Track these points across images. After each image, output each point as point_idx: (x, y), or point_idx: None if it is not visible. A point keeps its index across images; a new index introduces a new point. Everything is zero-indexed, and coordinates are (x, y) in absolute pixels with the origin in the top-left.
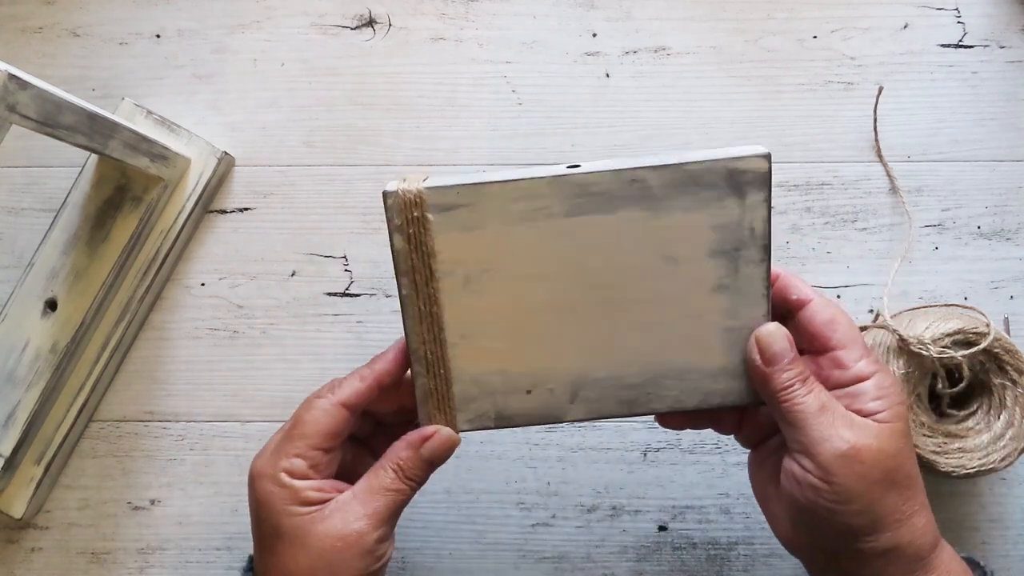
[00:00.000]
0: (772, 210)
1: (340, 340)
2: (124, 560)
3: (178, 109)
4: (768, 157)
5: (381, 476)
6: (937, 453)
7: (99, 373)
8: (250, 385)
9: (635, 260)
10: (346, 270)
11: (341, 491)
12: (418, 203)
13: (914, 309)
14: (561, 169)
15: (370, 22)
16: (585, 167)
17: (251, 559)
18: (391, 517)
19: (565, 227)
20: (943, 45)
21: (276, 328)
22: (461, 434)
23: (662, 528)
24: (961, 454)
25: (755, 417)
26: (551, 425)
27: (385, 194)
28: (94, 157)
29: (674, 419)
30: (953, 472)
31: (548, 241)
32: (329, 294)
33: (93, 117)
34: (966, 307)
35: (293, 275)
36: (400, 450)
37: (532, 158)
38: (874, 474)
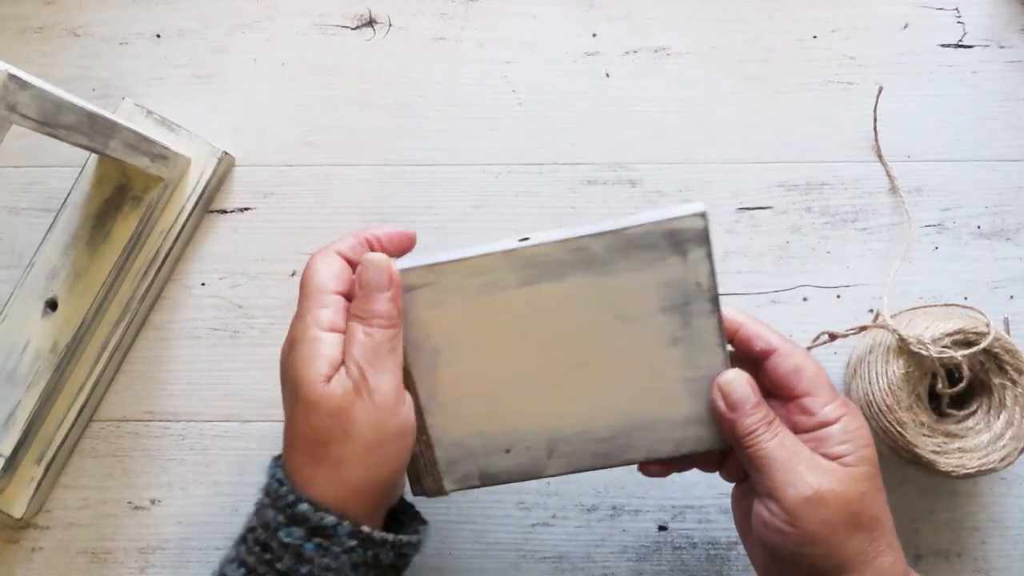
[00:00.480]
0: (714, 263)
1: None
2: (124, 560)
3: (178, 109)
4: (704, 215)
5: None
6: (937, 453)
7: (99, 373)
8: (250, 385)
9: (591, 321)
10: None
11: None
12: None
13: (914, 309)
14: (511, 243)
15: (370, 22)
16: (532, 239)
17: (276, 459)
18: (400, 364)
19: (521, 296)
20: (943, 45)
21: (276, 328)
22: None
23: (662, 528)
24: (961, 454)
25: (735, 454)
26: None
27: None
28: (94, 157)
29: (654, 467)
30: (953, 472)
31: (508, 310)
32: None
33: (93, 117)
34: (966, 307)
35: (293, 275)
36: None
37: (531, 158)
38: (838, 518)
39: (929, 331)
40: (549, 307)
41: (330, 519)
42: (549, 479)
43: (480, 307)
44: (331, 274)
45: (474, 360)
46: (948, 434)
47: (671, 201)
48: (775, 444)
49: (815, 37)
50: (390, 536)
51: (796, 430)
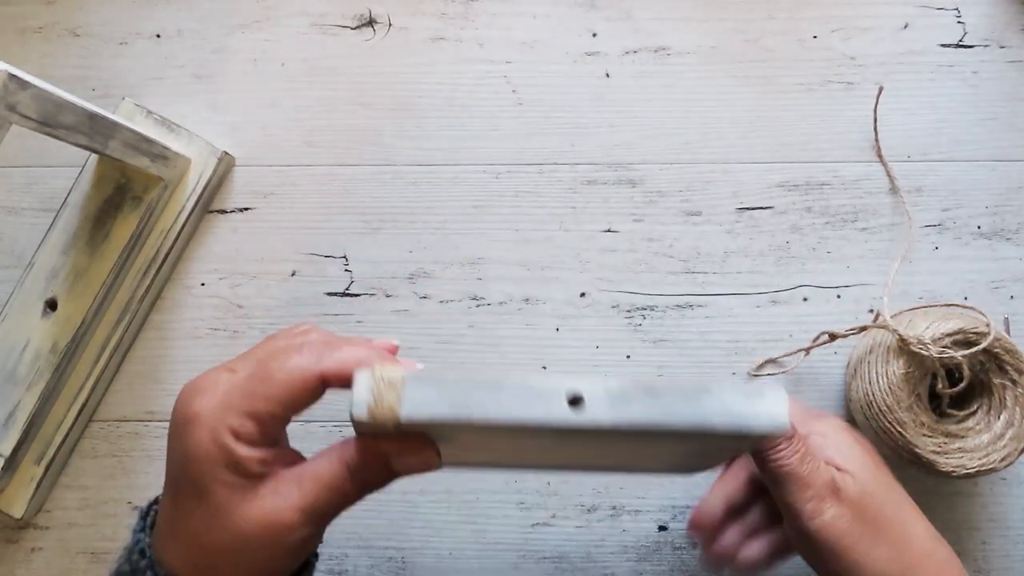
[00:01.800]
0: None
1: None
2: None
3: (178, 109)
4: (785, 425)
5: (330, 469)
6: (937, 453)
7: (99, 373)
8: None
9: (612, 453)
10: (346, 270)
11: (287, 465)
12: (390, 432)
13: (914, 309)
14: (560, 415)
15: (370, 22)
16: (588, 415)
17: (151, 505)
18: (327, 517)
19: (551, 446)
20: (943, 45)
21: (276, 328)
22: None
23: (662, 528)
24: (961, 454)
25: None
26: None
27: (354, 422)
28: (94, 157)
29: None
30: (953, 472)
31: (529, 452)
32: (329, 294)
33: (93, 117)
34: (966, 307)
35: (293, 275)
36: (352, 447)
37: (531, 158)
38: (855, 529)
39: (929, 331)
40: (577, 451)
41: None
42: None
43: (500, 447)
44: (297, 399)
45: (481, 456)
46: (948, 434)
47: (672, 201)
48: (795, 460)
49: (815, 37)
50: None
51: None
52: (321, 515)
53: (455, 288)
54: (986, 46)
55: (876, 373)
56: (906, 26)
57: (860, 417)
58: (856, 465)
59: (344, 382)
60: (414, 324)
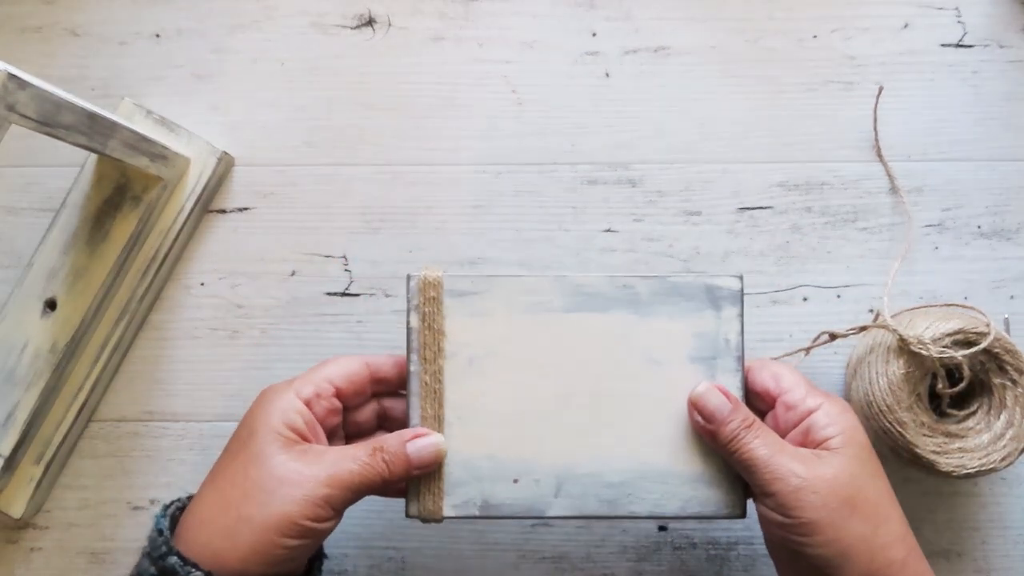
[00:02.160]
0: (744, 327)
1: (340, 340)
2: (124, 560)
3: (178, 109)
4: (741, 278)
5: (357, 450)
6: (937, 453)
7: (99, 373)
8: (250, 385)
9: (623, 358)
10: (346, 270)
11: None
12: (436, 286)
13: (914, 309)
14: (564, 272)
15: (370, 22)
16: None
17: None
18: (347, 496)
19: (563, 321)
20: (943, 45)
21: (276, 328)
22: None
23: (662, 528)
24: (961, 454)
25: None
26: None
27: (408, 276)
28: (93, 157)
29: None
30: (953, 472)
31: (547, 333)
32: (329, 294)
33: (92, 117)
34: (966, 307)
35: (293, 275)
36: (388, 438)
37: (531, 158)
38: (832, 502)
39: (929, 331)
40: (586, 337)
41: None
42: (550, 522)
43: (523, 325)
44: (349, 376)
45: (504, 376)
46: (948, 434)
47: (672, 200)
48: (757, 444)
49: (815, 37)
50: None
51: (783, 428)
52: (342, 488)
53: None
54: (986, 46)
55: (876, 373)
56: (906, 26)
57: (860, 417)
58: (851, 447)
59: (387, 375)
60: None
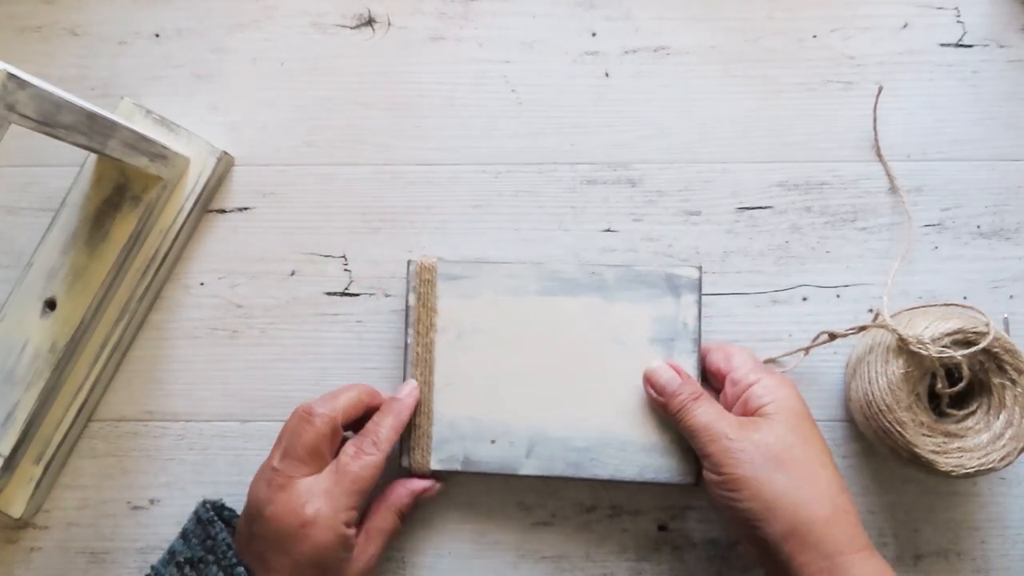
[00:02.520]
0: (703, 312)
1: (340, 339)
2: (123, 560)
3: (177, 109)
4: (699, 268)
5: (389, 520)
6: (936, 452)
7: (98, 373)
8: (249, 385)
9: (591, 337)
10: (345, 270)
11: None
12: (431, 270)
13: (914, 309)
14: (541, 261)
15: (369, 22)
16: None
17: (217, 506)
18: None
19: (540, 303)
20: (943, 45)
21: (276, 328)
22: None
23: (662, 528)
24: (960, 453)
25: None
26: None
27: (408, 262)
28: (93, 156)
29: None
30: (952, 471)
31: (526, 313)
32: (328, 294)
33: (92, 116)
34: (966, 307)
35: (293, 275)
36: (404, 496)
37: (531, 158)
38: (756, 459)
39: (929, 331)
40: (561, 317)
41: None
42: (526, 476)
43: (505, 305)
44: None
45: (488, 349)
46: (948, 434)
47: (671, 200)
48: (700, 412)
49: (815, 37)
50: None
51: (730, 402)
52: (383, 551)
53: None
54: (985, 46)
55: (876, 372)
56: (905, 26)
57: (860, 417)
58: (782, 413)
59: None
60: None
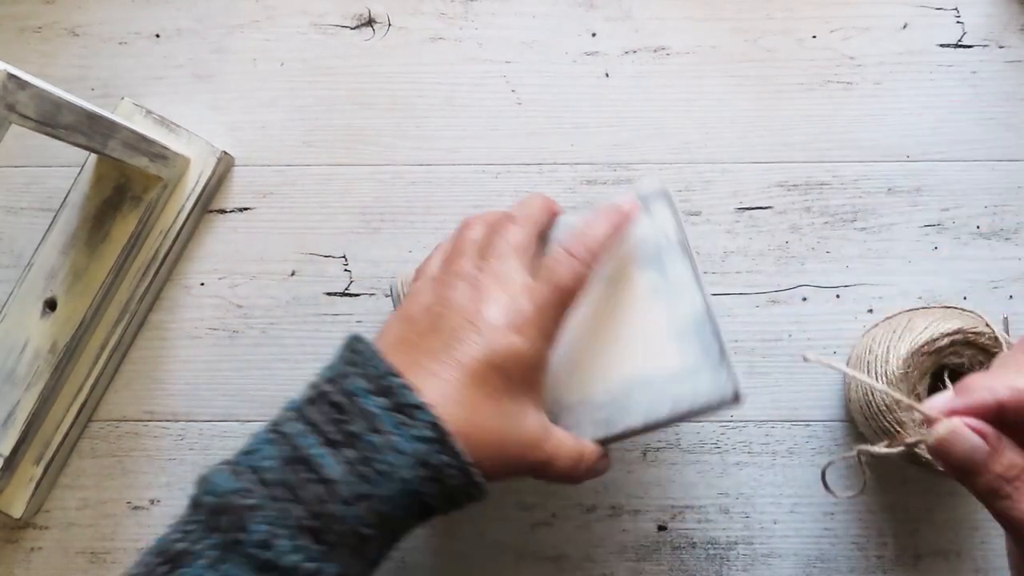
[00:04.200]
0: (679, 217)
1: (340, 340)
2: (124, 560)
3: (177, 109)
4: (659, 179)
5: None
6: None
7: (99, 373)
8: (250, 385)
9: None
10: (346, 270)
11: None
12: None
13: (913, 310)
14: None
15: (369, 22)
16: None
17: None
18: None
19: None
20: (942, 45)
21: (276, 328)
22: None
23: (662, 528)
24: None
25: None
26: None
27: (391, 284)
28: (93, 157)
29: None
30: None
31: None
32: (329, 294)
33: (92, 117)
34: (965, 310)
35: (293, 275)
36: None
37: (531, 158)
38: None
39: (928, 331)
40: None
41: (415, 399)
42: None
43: None
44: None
45: None
46: None
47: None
48: None
49: (815, 37)
50: (465, 456)
51: None
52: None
53: None
54: (985, 46)
55: (875, 374)
56: (905, 26)
57: (860, 417)
58: None
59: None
60: None
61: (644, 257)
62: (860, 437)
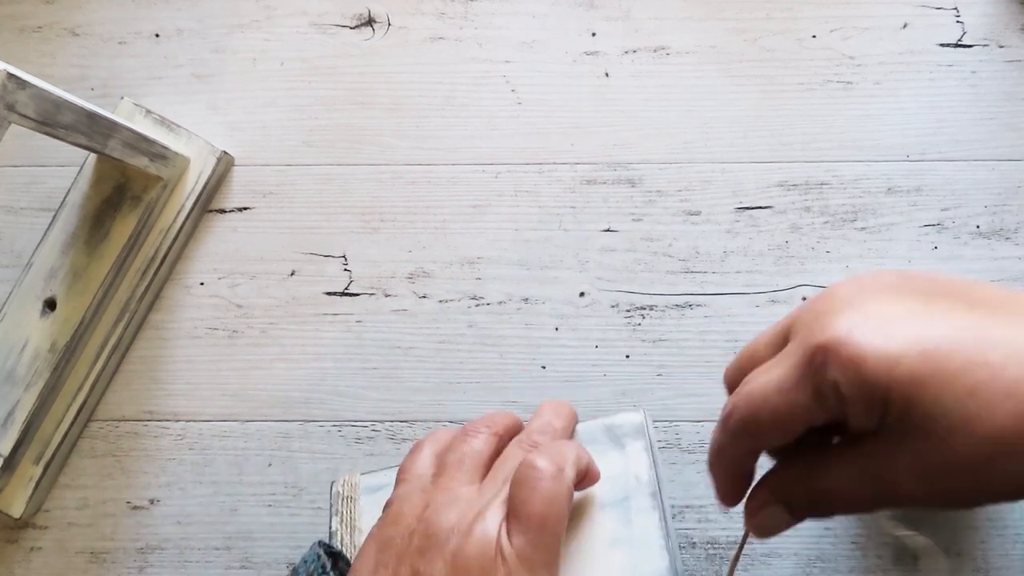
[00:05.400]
0: (657, 459)
1: (340, 340)
2: (123, 560)
3: (177, 108)
4: (643, 412)
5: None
6: None
7: (98, 373)
8: (249, 385)
9: None
10: (345, 269)
11: None
12: (353, 486)
13: None
14: None
15: (369, 21)
16: None
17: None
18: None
19: None
20: (942, 44)
21: (276, 328)
22: None
23: None
24: None
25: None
26: None
27: (332, 483)
28: (93, 156)
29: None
30: None
31: None
32: (328, 293)
33: (92, 116)
34: None
35: (292, 275)
36: None
37: (531, 158)
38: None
39: None
40: None
41: None
42: None
43: None
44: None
45: None
46: None
47: (671, 200)
48: (840, 502)
49: (815, 37)
50: None
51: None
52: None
53: (454, 288)
54: (985, 46)
55: None
56: (905, 26)
57: None
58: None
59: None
60: (413, 324)
61: (610, 500)
62: None
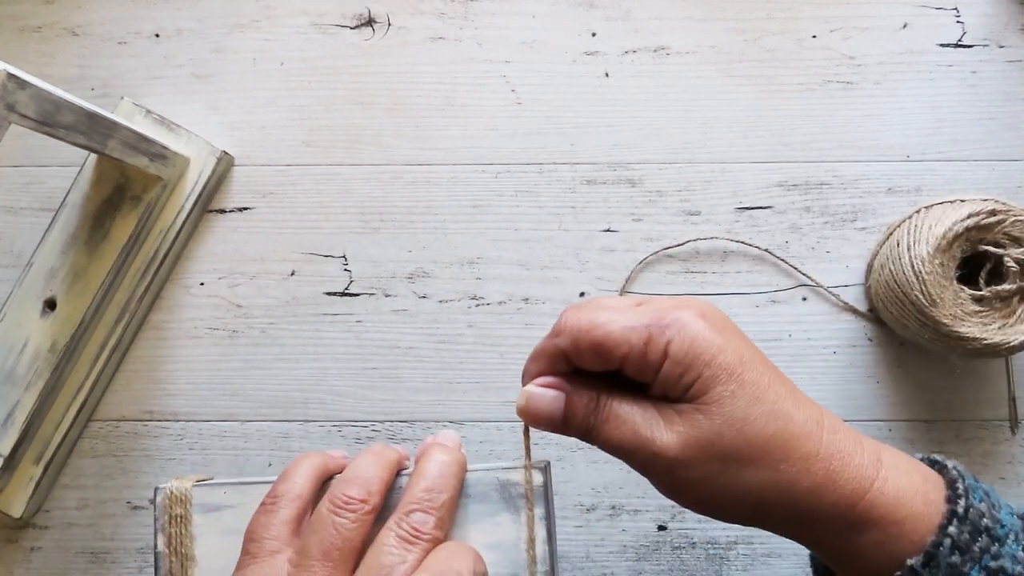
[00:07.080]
0: (554, 532)
1: (339, 339)
2: (123, 559)
3: (177, 109)
4: (546, 468)
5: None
6: (975, 326)
7: (98, 372)
8: (249, 385)
9: None
10: (345, 269)
11: None
12: (183, 502)
13: (944, 203)
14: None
15: (369, 21)
16: None
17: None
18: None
19: None
20: (942, 44)
21: (275, 328)
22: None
23: (661, 527)
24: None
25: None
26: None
27: (156, 490)
28: (93, 156)
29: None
30: (980, 340)
31: None
32: (328, 293)
33: (92, 116)
34: (1000, 201)
35: (292, 275)
36: None
37: (531, 158)
38: (712, 468)
39: (949, 217)
40: None
41: None
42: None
43: None
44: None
45: None
46: (988, 311)
47: (671, 200)
48: (611, 428)
49: (815, 37)
50: None
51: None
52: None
53: (454, 288)
54: (985, 46)
55: (906, 250)
56: (905, 26)
57: (886, 291)
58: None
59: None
60: (413, 324)
61: (495, 572)
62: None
